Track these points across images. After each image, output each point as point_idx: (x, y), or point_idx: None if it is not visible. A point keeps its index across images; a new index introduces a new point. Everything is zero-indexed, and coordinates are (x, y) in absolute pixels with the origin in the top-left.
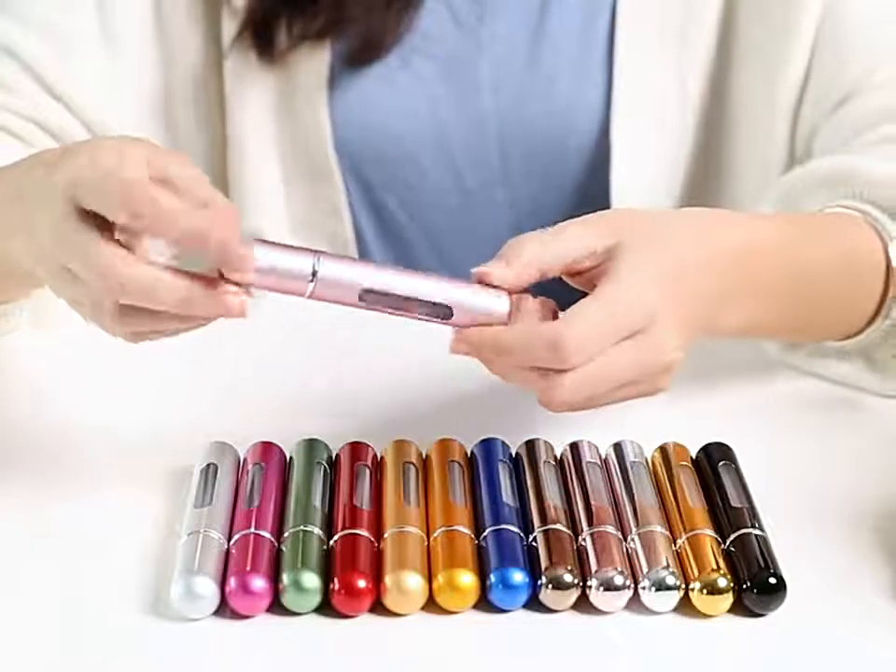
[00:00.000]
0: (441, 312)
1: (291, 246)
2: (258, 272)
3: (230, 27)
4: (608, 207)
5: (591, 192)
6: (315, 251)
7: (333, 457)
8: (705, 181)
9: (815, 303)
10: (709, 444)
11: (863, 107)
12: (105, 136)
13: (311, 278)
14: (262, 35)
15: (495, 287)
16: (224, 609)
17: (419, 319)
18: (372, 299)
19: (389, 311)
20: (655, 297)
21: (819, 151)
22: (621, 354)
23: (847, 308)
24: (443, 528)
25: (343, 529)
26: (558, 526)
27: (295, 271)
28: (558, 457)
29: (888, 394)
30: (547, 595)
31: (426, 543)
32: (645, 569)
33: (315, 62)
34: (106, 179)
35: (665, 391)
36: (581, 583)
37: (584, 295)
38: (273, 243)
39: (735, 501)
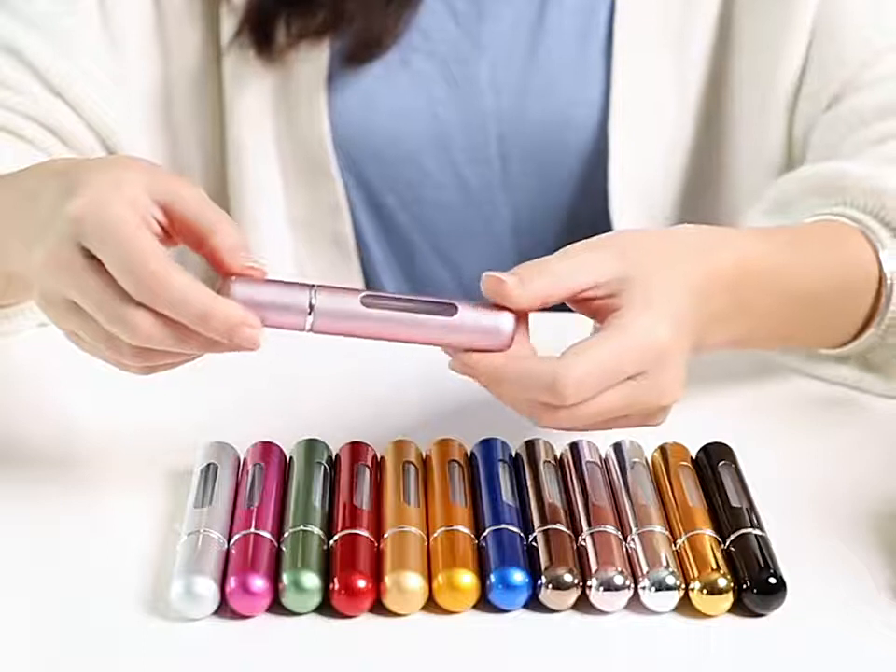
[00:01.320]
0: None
1: (286, 282)
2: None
3: (228, 25)
4: (606, 205)
5: (590, 190)
6: (311, 285)
7: (333, 457)
8: (703, 178)
9: (804, 320)
10: (709, 444)
11: (860, 103)
12: (110, 159)
13: (308, 311)
14: (261, 33)
15: (493, 306)
16: (224, 608)
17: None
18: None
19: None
20: (667, 338)
21: (816, 147)
22: (621, 393)
23: (837, 320)
24: (443, 528)
25: (342, 529)
26: (558, 526)
27: (293, 306)
28: (558, 457)
29: (891, 395)
30: (547, 595)
31: (426, 543)
32: (645, 569)
33: (313, 60)
34: (109, 236)
35: (656, 425)
36: (581, 583)
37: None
38: (269, 281)
39: (734, 501)
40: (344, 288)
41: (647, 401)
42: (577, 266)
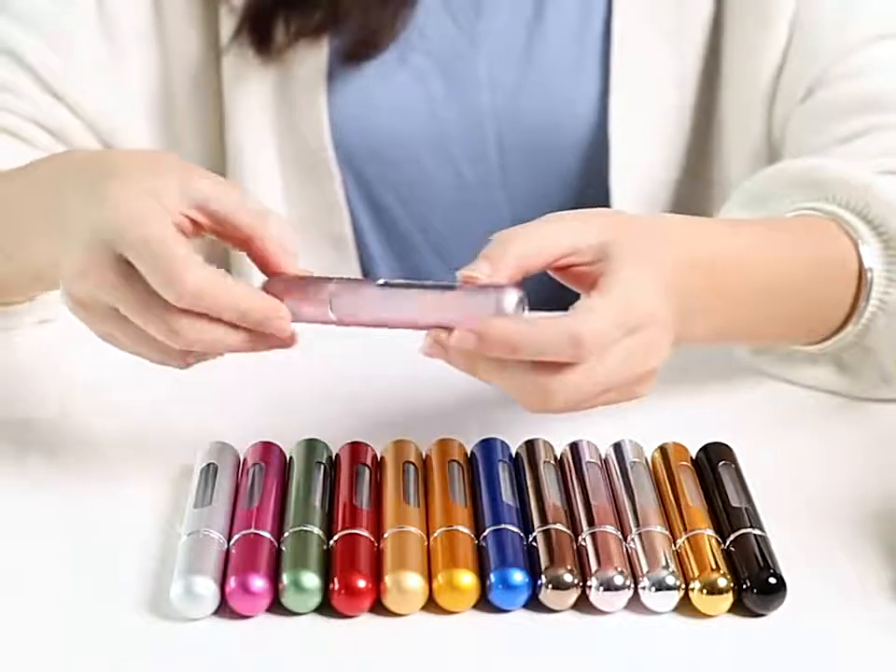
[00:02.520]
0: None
1: (315, 278)
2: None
3: (227, 24)
4: (607, 199)
5: (590, 186)
6: (329, 278)
7: (333, 457)
8: (697, 172)
9: (783, 314)
10: (709, 444)
11: (833, 96)
12: (140, 157)
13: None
14: (260, 33)
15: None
16: (224, 608)
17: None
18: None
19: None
20: (654, 298)
21: (791, 139)
22: (621, 352)
23: (816, 316)
24: (443, 528)
25: (342, 529)
26: (558, 526)
27: (316, 298)
28: (558, 457)
29: (858, 396)
30: (547, 595)
31: (426, 543)
32: (645, 569)
33: (312, 59)
34: (147, 251)
35: (641, 397)
36: (580, 583)
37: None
38: (301, 278)
39: (734, 501)
40: (361, 279)
41: (641, 362)
42: (555, 232)
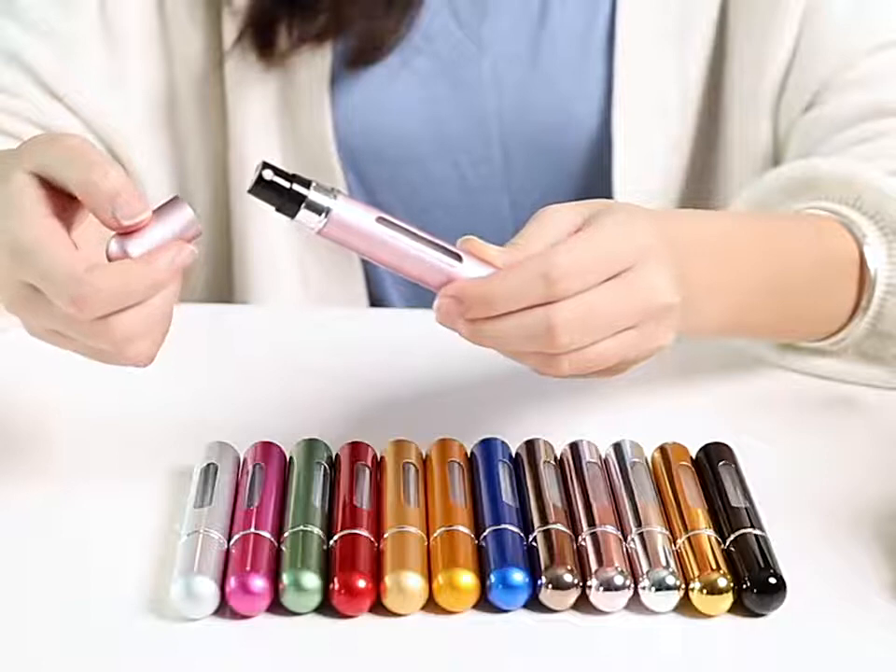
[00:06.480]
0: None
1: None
2: None
3: (230, 27)
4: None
5: (593, 187)
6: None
7: (333, 457)
8: (701, 174)
9: (793, 300)
10: (709, 444)
11: (839, 106)
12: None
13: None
14: (263, 38)
15: None
16: (224, 608)
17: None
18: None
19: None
20: (643, 236)
21: (793, 151)
22: (610, 290)
23: (825, 305)
24: (443, 528)
25: (342, 529)
26: (558, 526)
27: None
28: (558, 457)
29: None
30: (547, 595)
31: (426, 543)
32: (645, 569)
33: (316, 63)
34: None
35: (665, 346)
36: (580, 583)
37: None
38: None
39: (734, 501)
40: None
41: (640, 298)
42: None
